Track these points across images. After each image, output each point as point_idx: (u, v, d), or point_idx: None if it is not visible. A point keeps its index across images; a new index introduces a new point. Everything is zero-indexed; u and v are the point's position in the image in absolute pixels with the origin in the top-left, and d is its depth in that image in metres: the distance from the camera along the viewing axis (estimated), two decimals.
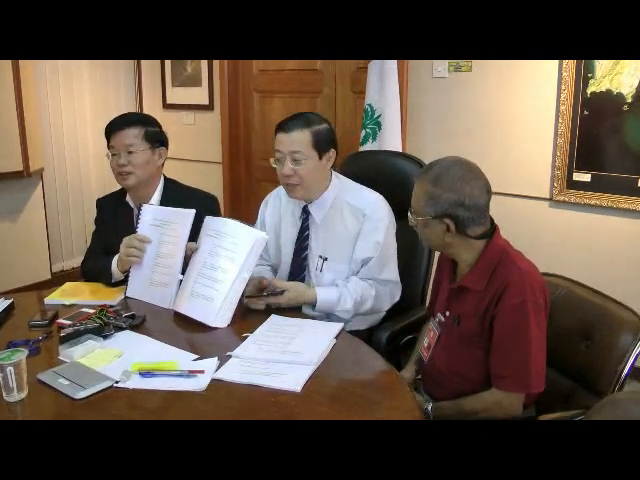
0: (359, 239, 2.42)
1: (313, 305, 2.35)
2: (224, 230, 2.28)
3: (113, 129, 2.61)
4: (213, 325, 2.16)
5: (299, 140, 2.36)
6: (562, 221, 3.56)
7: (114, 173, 2.65)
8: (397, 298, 2.51)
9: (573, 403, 1.99)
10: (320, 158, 2.40)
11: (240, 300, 2.23)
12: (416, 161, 2.75)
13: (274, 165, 2.43)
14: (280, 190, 2.62)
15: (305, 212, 2.53)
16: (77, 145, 5.35)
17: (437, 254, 2.24)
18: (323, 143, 2.39)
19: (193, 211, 2.38)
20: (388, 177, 2.71)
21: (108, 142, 2.64)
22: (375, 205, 2.44)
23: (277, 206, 2.65)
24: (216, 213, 2.66)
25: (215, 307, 2.18)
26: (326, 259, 2.48)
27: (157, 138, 2.67)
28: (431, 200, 1.88)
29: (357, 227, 2.42)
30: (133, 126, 2.61)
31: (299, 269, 2.54)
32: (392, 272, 2.47)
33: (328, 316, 2.37)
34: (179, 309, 2.27)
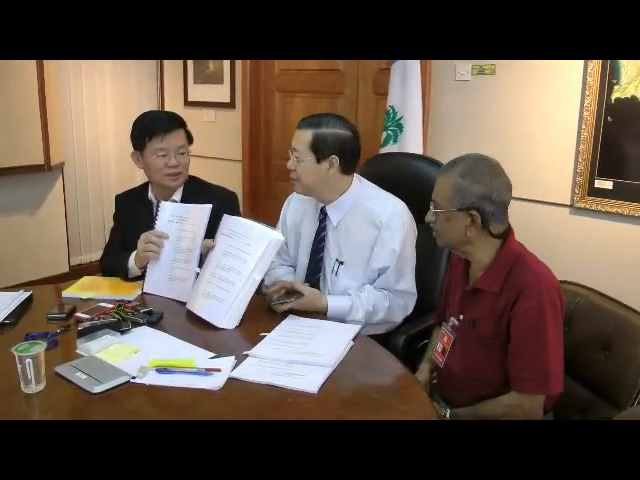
0: (376, 247, 2.40)
1: (324, 313, 2.33)
2: (239, 230, 2.28)
3: (162, 130, 2.59)
4: (220, 326, 2.15)
5: (300, 138, 2.39)
6: (582, 228, 3.52)
7: (158, 173, 2.62)
8: (410, 310, 2.49)
9: (591, 414, 1.97)
10: (318, 161, 2.38)
11: (252, 300, 2.21)
12: (437, 164, 2.73)
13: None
14: (297, 195, 2.64)
15: (323, 213, 2.53)
16: (98, 140, 5.37)
17: None
18: (323, 147, 2.36)
19: (210, 206, 2.39)
20: (409, 179, 2.70)
21: (145, 141, 2.61)
22: (394, 213, 2.41)
23: (299, 206, 2.66)
24: (236, 209, 2.68)
25: (225, 308, 2.17)
26: (342, 263, 2.47)
27: (191, 138, 2.70)
28: (459, 192, 1.88)
29: (374, 234, 2.41)
30: (181, 127, 2.64)
31: (315, 270, 2.54)
32: (408, 283, 2.45)
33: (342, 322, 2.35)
34: (191, 308, 2.27)
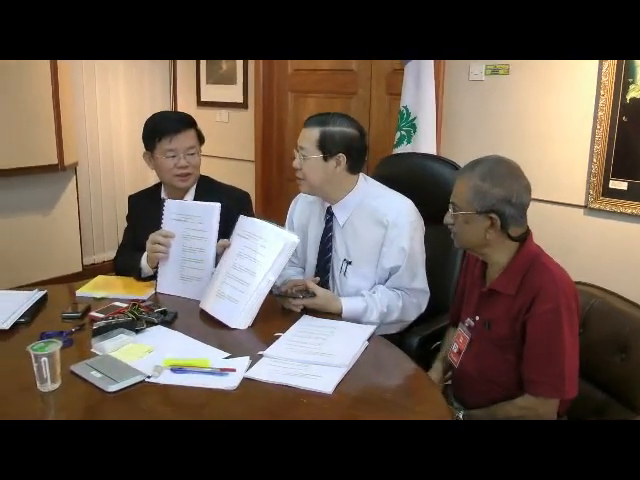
0: (384, 246, 2.39)
1: (339, 314, 2.32)
2: (255, 231, 2.27)
3: (171, 130, 2.59)
4: (234, 326, 2.14)
5: (306, 136, 2.38)
6: (597, 229, 3.50)
7: (168, 174, 2.63)
8: (424, 308, 2.49)
9: (606, 417, 1.96)
10: (325, 159, 2.36)
11: (266, 300, 2.21)
12: (451, 164, 2.73)
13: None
14: (304, 195, 2.63)
15: (329, 213, 2.51)
16: (111, 140, 5.40)
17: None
18: (330, 145, 2.35)
19: (218, 205, 2.38)
20: (423, 180, 2.69)
21: (155, 141, 2.61)
22: (400, 211, 2.40)
23: (305, 207, 2.66)
24: (249, 209, 2.68)
25: (238, 309, 2.17)
26: (350, 263, 2.46)
27: (202, 138, 2.70)
28: (479, 195, 1.87)
29: (381, 233, 2.39)
30: (191, 127, 2.64)
31: (323, 271, 2.53)
32: (421, 281, 2.44)
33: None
34: (205, 308, 2.27)
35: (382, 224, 2.39)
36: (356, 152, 2.40)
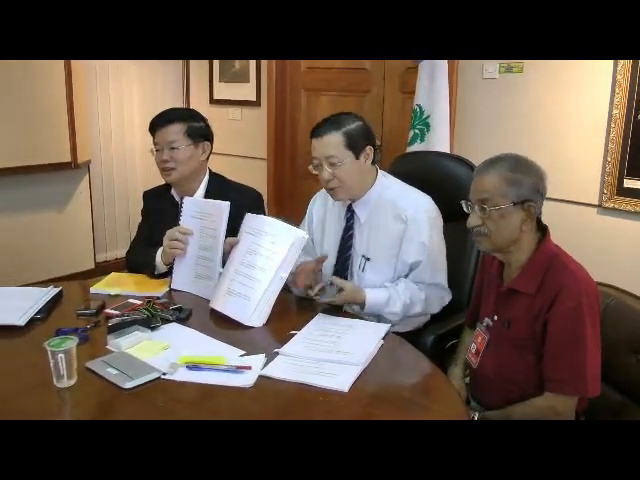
0: (404, 241, 2.39)
1: (362, 306, 2.32)
2: (263, 228, 2.27)
3: (156, 125, 2.64)
4: (248, 324, 2.14)
5: (332, 144, 2.33)
6: (611, 229, 3.48)
7: (158, 168, 2.68)
8: (447, 301, 2.49)
9: (623, 418, 1.95)
10: (357, 157, 2.36)
11: (281, 298, 2.21)
12: (467, 163, 2.72)
13: (314, 172, 2.41)
14: (322, 195, 2.65)
15: (350, 211, 2.51)
16: (124, 138, 5.41)
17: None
18: (357, 142, 2.35)
19: (228, 203, 2.38)
20: (438, 179, 2.68)
21: (153, 138, 2.66)
22: (418, 206, 2.41)
23: (324, 205, 2.65)
24: (261, 209, 2.68)
25: (252, 306, 2.17)
26: (369, 259, 2.46)
27: (201, 133, 2.68)
28: (514, 185, 1.85)
29: (400, 229, 2.39)
30: (176, 122, 2.63)
31: (342, 268, 2.52)
32: (442, 277, 2.44)
33: (377, 318, 2.35)
34: (215, 307, 2.26)
35: (401, 219, 2.39)
36: (373, 139, 2.44)
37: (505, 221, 1.88)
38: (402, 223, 2.39)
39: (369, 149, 2.39)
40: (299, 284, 2.31)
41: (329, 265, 2.56)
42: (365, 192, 2.45)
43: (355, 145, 2.35)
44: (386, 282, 2.40)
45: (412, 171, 2.71)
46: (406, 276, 2.42)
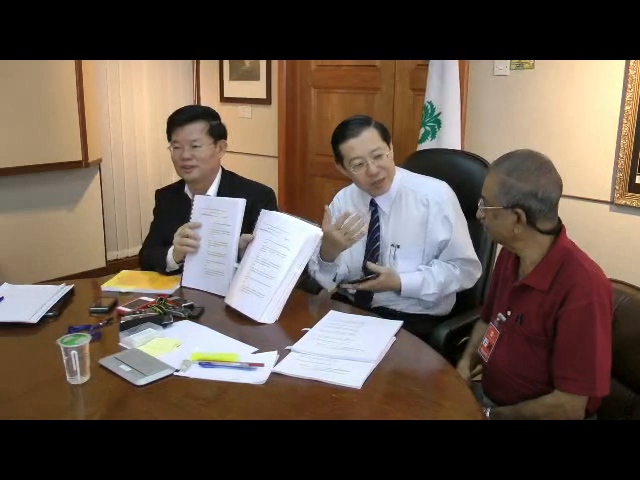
0: (429, 223, 2.50)
1: (398, 291, 2.47)
2: (278, 225, 2.28)
3: (177, 123, 2.63)
4: (260, 321, 2.15)
5: (372, 138, 2.44)
6: (623, 225, 3.46)
7: (176, 165, 2.67)
8: (478, 276, 2.57)
9: (636, 416, 1.93)
10: (390, 149, 2.49)
11: (293, 295, 2.21)
12: (480, 160, 2.73)
13: (354, 173, 2.48)
14: (346, 191, 2.74)
15: (372, 205, 2.60)
16: (134, 137, 5.42)
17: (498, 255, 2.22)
18: (386, 134, 2.49)
19: (243, 200, 2.39)
20: (452, 176, 2.67)
21: (170, 135, 2.66)
22: (438, 190, 2.53)
23: (348, 201, 2.72)
24: (273, 205, 2.68)
25: (264, 303, 2.17)
26: (398, 246, 2.55)
27: (219, 131, 2.69)
28: (504, 189, 1.86)
29: (423, 212, 2.51)
30: (198, 121, 2.63)
31: (372, 260, 2.58)
32: (470, 250, 2.52)
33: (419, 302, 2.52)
34: (230, 303, 2.27)
35: (423, 204, 2.51)
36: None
37: (497, 221, 1.92)
38: (424, 207, 2.51)
39: (391, 144, 2.52)
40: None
41: (359, 258, 2.62)
42: (388, 185, 2.56)
43: (387, 137, 2.49)
44: (412, 266, 2.51)
45: (426, 168, 2.71)
46: (436, 257, 2.53)
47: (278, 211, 2.46)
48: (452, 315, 2.57)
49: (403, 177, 2.58)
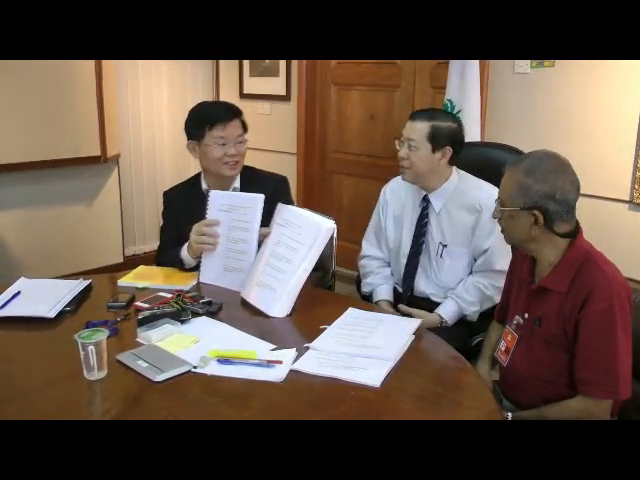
0: (477, 229, 2.56)
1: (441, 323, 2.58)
2: (292, 219, 2.28)
3: (222, 119, 2.59)
4: (272, 314, 2.15)
5: (417, 130, 2.53)
6: None
7: (215, 163, 2.61)
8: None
9: None
10: (433, 151, 2.53)
11: (310, 291, 2.21)
12: (516, 151, 2.76)
13: (397, 147, 2.60)
14: (394, 184, 2.82)
15: (425, 200, 2.67)
16: (153, 133, 5.42)
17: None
18: (439, 139, 2.52)
19: (262, 196, 2.37)
20: (486, 169, 2.66)
21: (203, 130, 2.59)
22: (491, 196, 2.45)
23: (400, 199, 2.79)
24: (287, 193, 2.72)
25: (276, 297, 2.17)
26: (446, 246, 2.63)
27: (246, 127, 2.70)
28: (522, 191, 1.84)
29: (473, 218, 2.56)
30: (239, 116, 2.64)
31: (416, 253, 2.69)
32: (506, 264, 2.45)
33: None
34: (246, 297, 2.27)
35: (475, 209, 2.56)
36: (459, 145, 2.59)
37: (514, 222, 1.90)
38: (476, 212, 2.56)
39: (448, 150, 2.55)
40: None
41: (404, 250, 2.74)
42: (439, 185, 2.62)
43: (437, 140, 2.52)
44: (459, 269, 2.63)
45: (460, 162, 2.67)
46: (475, 260, 2.61)
47: (292, 199, 2.53)
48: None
49: (461, 180, 2.63)
